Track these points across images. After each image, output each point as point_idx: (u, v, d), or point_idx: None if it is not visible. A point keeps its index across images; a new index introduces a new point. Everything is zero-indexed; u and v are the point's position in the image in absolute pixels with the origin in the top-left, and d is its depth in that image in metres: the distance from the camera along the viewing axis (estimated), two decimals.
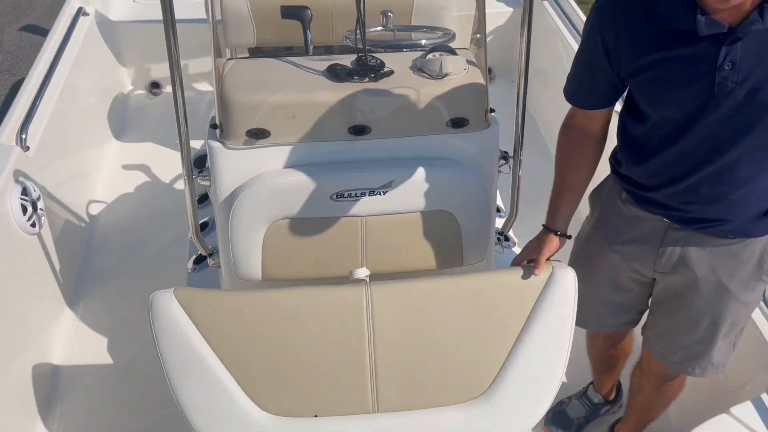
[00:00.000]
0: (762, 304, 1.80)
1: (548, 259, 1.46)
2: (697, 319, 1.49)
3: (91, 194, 2.82)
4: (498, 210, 2.04)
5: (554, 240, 1.47)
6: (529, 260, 1.45)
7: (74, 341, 2.27)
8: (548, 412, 1.85)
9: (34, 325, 2.14)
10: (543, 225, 1.51)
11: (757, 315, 1.79)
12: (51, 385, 2.11)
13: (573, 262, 1.63)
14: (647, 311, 1.66)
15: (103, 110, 3.16)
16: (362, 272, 1.41)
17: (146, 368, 2.07)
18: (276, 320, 1.35)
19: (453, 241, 1.67)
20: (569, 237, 1.51)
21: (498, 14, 3.43)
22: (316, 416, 1.34)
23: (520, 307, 1.38)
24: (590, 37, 1.31)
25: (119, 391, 2.12)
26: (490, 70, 3.11)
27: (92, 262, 2.57)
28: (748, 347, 1.65)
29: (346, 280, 1.43)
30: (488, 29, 2.61)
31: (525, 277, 1.40)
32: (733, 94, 1.18)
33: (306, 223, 1.61)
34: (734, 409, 1.54)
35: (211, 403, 1.33)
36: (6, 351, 1.91)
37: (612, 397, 2.05)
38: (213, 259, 1.83)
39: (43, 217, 2.22)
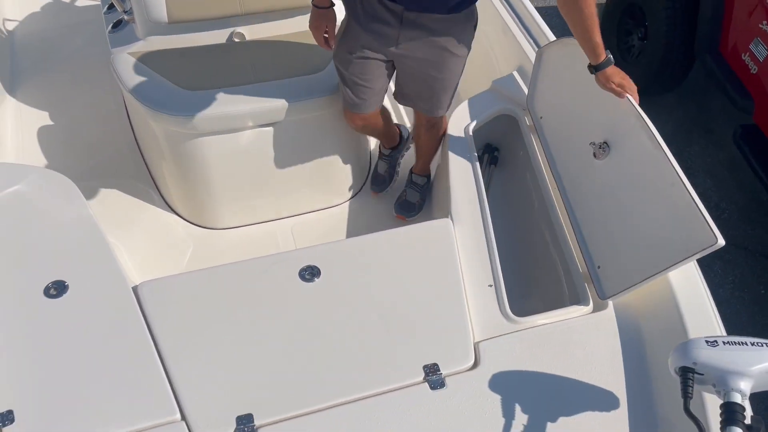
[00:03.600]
0: None
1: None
2: (431, 78, 2.08)
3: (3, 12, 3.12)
4: None
5: (330, 13, 2.06)
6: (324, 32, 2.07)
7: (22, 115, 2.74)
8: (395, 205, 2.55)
9: None
10: (313, 5, 2.04)
11: None
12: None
13: (340, 45, 2.08)
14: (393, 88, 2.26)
15: None
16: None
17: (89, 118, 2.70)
18: None
19: None
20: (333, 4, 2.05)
21: None
22: None
23: None
24: None
25: (70, 139, 2.65)
26: None
27: (19, 61, 2.97)
28: None
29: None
30: None
31: None
32: None
33: None
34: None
35: None
36: None
37: (396, 143, 2.60)
38: (128, 15, 2.30)
39: None
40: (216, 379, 1.60)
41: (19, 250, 1.81)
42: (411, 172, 2.59)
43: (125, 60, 2.25)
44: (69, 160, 2.56)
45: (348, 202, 2.60)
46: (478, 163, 2.09)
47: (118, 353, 1.62)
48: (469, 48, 2.07)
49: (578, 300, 1.83)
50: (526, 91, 2.27)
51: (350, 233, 2.50)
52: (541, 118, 2.16)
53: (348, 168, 2.55)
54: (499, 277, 1.82)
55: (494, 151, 2.49)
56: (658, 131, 1.73)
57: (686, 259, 1.60)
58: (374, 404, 1.57)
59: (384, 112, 2.39)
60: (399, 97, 2.24)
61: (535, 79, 2.20)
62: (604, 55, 1.79)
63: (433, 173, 2.60)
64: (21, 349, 1.62)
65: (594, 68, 1.82)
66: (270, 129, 2.27)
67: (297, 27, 2.42)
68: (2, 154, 2.51)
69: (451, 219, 1.95)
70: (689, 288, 1.71)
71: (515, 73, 2.36)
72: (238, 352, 1.65)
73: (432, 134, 2.35)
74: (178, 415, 1.53)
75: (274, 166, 2.38)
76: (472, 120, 2.21)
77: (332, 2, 2.04)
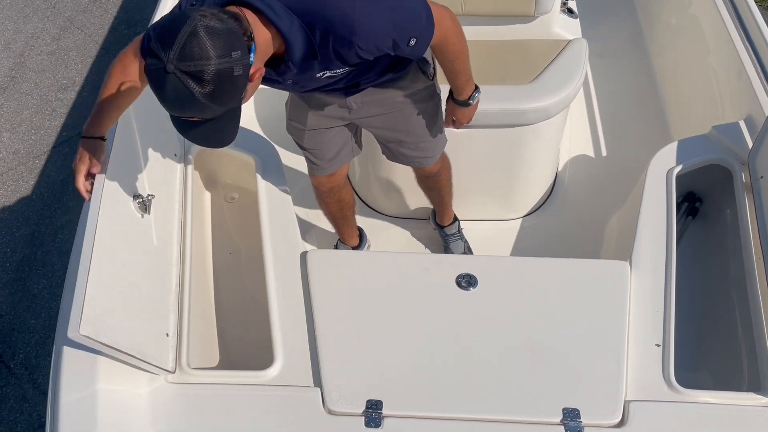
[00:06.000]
0: None
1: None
2: (406, 131, 1.89)
3: None
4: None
5: (101, 145, 1.55)
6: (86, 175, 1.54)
7: None
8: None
9: None
10: (84, 137, 1.53)
11: None
12: None
13: (290, 117, 1.87)
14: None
15: None
16: None
17: None
18: None
19: None
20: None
21: None
22: None
23: None
24: None
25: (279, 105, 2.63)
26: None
27: None
28: None
29: None
30: None
31: None
32: None
33: None
34: None
35: None
36: None
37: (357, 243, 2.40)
38: None
39: None
40: (357, 358, 1.65)
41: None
42: (439, 226, 2.42)
43: None
44: (277, 125, 2.75)
45: (520, 219, 2.53)
46: (674, 210, 1.92)
47: (281, 307, 1.73)
48: (428, 82, 1.83)
49: (758, 388, 1.61)
50: (750, 144, 2.04)
51: (515, 251, 2.43)
52: (761, 177, 1.93)
53: (530, 185, 2.48)
54: (670, 339, 1.66)
55: (696, 201, 2.27)
56: None
57: None
58: (502, 430, 1.51)
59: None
60: (386, 156, 2.06)
61: (765, 133, 1.96)
62: (468, 95, 1.83)
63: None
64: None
65: (453, 100, 1.86)
66: (463, 131, 2.27)
67: (514, 35, 2.39)
68: None
69: (630, 263, 1.82)
70: None
71: (742, 123, 2.12)
72: (382, 338, 1.69)
73: (434, 184, 2.20)
74: (314, 382, 1.61)
75: (459, 167, 2.38)
76: (678, 163, 2.03)
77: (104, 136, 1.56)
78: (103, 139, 1.55)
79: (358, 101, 1.76)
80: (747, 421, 1.52)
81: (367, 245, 2.44)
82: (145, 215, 1.66)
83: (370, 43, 1.37)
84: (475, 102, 1.86)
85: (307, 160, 2.00)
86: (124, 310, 1.49)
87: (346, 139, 1.96)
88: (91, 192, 1.52)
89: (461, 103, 1.85)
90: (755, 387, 1.62)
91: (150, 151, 1.82)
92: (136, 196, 1.64)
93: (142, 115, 1.83)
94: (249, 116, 2.83)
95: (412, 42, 1.42)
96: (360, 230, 2.43)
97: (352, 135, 1.99)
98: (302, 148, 1.95)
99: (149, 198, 1.66)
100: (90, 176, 1.54)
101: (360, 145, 2.06)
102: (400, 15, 1.38)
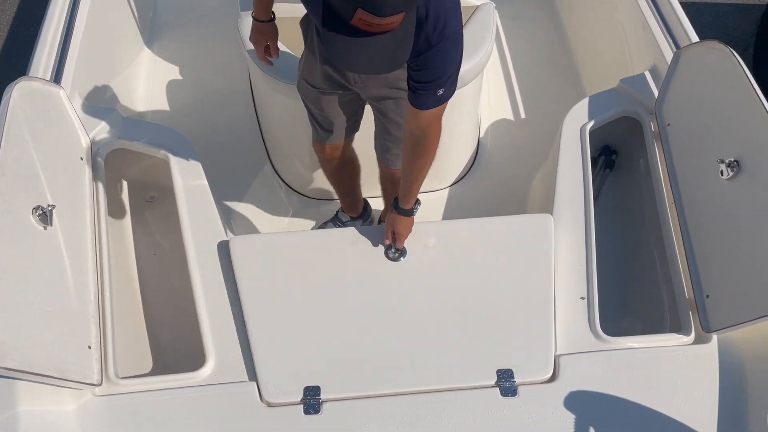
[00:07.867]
0: None
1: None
2: (386, 125, 1.90)
3: None
4: None
5: (270, 27, 1.87)
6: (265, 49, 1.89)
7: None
8: None
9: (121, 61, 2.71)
10: (254, 17, 1.86)
11: None
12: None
13: (301, 74, 1.87)
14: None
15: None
16: None
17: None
18: None
19: None
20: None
21: None
22: None
23: None
24: None
25: (194, 94, 2.77)
26: None
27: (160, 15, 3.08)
28: None
29: None
30: None
31: None
32: None
33: None
34: None
35: None
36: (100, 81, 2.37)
37: (358, 213, 2.36)
38: None
39: None
40: (291, 346, 1.63)
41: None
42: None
43: (250, 23, 2.31)
44: (190, 115, 2.69)
45: (447, 189, 2.55)
46: (589, 165, 1.97)
47: (208, 303, 1.69)
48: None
49: (679, 328, 1.68)
50: (656, 93, 2.10)
51: (446, 219, 2.45)
52: (668, 125, 1.99)
53: (453, 154, 2.49)
54: (594, 291, 1.71)
55: (613, 154, 2.33)
56: None
57: None
58: (440, 400, 1.53)
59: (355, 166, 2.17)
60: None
61: (669, 82, 2.02)
62: (412, 204, 1.78)
63: None
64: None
65: (396, 208, 1.78)
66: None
67: None
68: (132, 101, 2.68)
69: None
70: None
71: (647, 74, 2.18)
72: (314, 322, 1.68)
73: (393, 189, 2.04)
74: (249, 376, 1.58)
75: None
76: (590, 119, 2.08)
77: (273, 16, 1.87)
78: (271, 20, 1.87)
79: (355, 76, 1.76)
80: (670, 360, 1.59)
81: (369, 220, 2.38)
82: (48, 227, 1.58)
83: (438, 58, 1.46)
84: (415, 214, 1.83)
85: (311, 124, 2.00)
86: (35, 328, 1.42)
87: (351, 113, 1.95)
88: (271, 60, 1.91)
89: (405, 212, 1.78)
90: (676, 328, 1.69)
91: (49, 158, 1.72)
92: (34, 208, 1.56)
93: (36, 122, 1.73)
94: (159, 110, 2.74)
95: (440, 92, 1.53)
96: (366, 203, 2.37)
97: (359, 112, 1.98)
98: (309, 111, 1.96)
99: (50, 208, 1.58)
100: (266, 52, 1.91)
101: (358, 125, 2.03)
102: (455, 77, 1.54)
